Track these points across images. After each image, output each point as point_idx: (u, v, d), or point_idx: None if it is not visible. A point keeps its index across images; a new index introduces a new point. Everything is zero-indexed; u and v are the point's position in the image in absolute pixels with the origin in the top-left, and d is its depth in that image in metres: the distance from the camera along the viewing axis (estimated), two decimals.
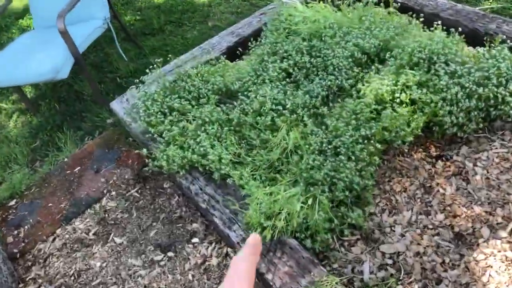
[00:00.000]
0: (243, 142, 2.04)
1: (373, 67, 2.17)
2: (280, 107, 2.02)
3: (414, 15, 2.32)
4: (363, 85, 2.08)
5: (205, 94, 2.22)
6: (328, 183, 1.78)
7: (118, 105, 2.49)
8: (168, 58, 2.56)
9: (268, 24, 2.61)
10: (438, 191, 1.83)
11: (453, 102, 1.86)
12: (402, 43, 2.11)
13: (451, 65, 1.93)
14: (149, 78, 2.51)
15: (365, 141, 1.86)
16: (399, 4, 2.47)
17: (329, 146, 1.85)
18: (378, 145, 1.83)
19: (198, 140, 1.98)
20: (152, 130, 2.12)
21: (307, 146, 1.90)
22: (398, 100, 1.93)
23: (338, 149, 1.84)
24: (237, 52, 2.68)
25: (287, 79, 2.21)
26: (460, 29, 2.12)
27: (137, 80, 2.38)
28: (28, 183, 2.62)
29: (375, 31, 2.21)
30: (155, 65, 2.40)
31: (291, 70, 2.22)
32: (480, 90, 1.84)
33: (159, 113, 2.14)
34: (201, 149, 1.95)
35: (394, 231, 1.74)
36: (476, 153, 1.92)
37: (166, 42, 3.28)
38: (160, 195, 2.39)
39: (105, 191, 2.47)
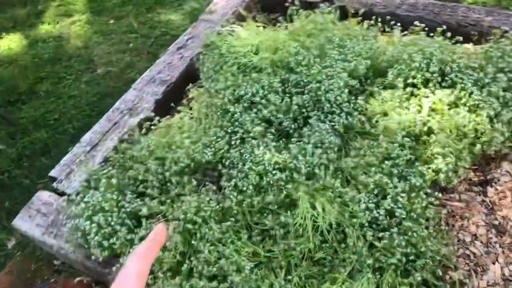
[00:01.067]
0: (253, 233, 1.46)
1: (366, 91, 1.76)
2: (287, 172, 1.48)
3: (367, 20, 1.97)
4: (371, 117, 1.65)
5: (169, 179, 1.55)
6: (403, 264, 1.31)
7: (27, 223, 1.67)
8: (72, 131, 1.80)
9: (204, 61, 2.01)
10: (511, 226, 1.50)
11: (493, 115, 1.54)
12: (394, 55, 1.74)
13: (471, 72, 1.61)
14: (59, 169, 1.73)
15: (417, 192, 1.44)
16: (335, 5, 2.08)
17: (381, 212, 1.38)
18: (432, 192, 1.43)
19: (203, 256, 1.33)
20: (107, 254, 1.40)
21: (350, 219, 1.39)
22: (426, 129, 1.55)
23: (395, 213, 1.38)
24: (172, 105, 2.04)
25: (272, 131, 1.66)
26: (441, 28, 1.82)
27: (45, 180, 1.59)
28: None
29: (356, 48, 1.79)
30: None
31: (273, 119, 1.68)
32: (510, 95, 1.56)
33: (119, 226, 1.42)
34: (211, 268, 1.31)
35: None
36: None
37: (48, 108, 2.40)
38: None
39: None
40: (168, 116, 2.02)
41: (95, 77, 2.49)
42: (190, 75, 2.15)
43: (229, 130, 1.68)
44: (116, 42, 2.70)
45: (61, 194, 1.71)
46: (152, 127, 1.88)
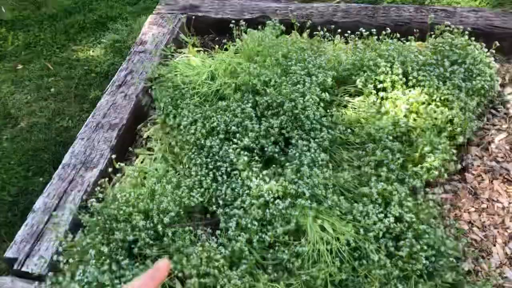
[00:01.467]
0: (268, 270, 1.37)
1: (335, 102, 1.76)
2: (289, 199, 1.42)
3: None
4: (349, 127, 1.65)
5: (164, 232, 1.40)
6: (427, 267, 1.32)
7: None
8: (10, 199, 1.55)
9: (157, 97, 1.85)
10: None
11: (463, 106, 1.63)
12: (355, 63, 1.76)
13: (430, 69, 1.69)
14: (16, 248, 1.48)
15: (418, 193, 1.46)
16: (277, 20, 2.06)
17: (391, 220, 1.38)
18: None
19: None
20: None
21: (365, 233, 1.37)
22: (406, 130, 1.59)
23: (403, 219, 1.39)
24: (130, 149, 1.85)
25: (256, 159, 1.58)
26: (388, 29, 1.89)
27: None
28: None
29: (318, 61, 1.78)
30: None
31: (254, 146, 1.60)
32: (470, 84, 1.67)
33: None
34: None
35: None
36: (484, 148, 1.76)
37: None
38: None
39: None
40: (125, 163, 1.84)
41: (19, 132, 2.17)
42: (139, 114, 1.98)
43: (211, 166, 1.56)
44: (33, 89, 2.39)
45: (31, 277, 1.45)
46: (121, 177, 1.70)
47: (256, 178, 1.49)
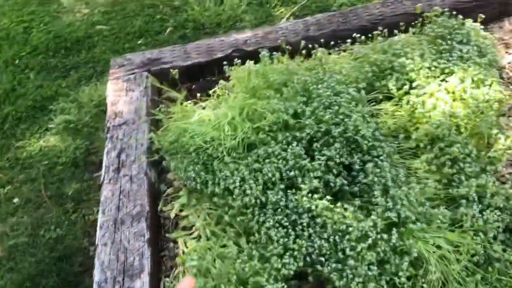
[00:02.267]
0: None
1: (373, 109, 1.66)
2: (395, 229, 1.29)
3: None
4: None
5: None
6: None
7: None
8: None
9: (176, 166, 1.60)
10: None
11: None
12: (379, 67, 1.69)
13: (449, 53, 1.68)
14: None
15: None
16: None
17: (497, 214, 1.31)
18: None
19: None
20: None
21: (485, 237, 1.28)
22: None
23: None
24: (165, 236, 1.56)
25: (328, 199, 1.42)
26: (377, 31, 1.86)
27: None
28: None
29: (334, 78, 1.67)
30: None
31: (318, 184, 1.43)
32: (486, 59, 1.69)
33: None
34: None
35: None
36: None
37: None
38: None
39: None
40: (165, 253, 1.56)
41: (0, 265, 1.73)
42: (153, 193, 1.70)
43: (285, 223, 1.36)
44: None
45: None
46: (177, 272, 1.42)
47: (345, 218, 1.33)
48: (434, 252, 1.27)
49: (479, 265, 1.29)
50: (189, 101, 1.95)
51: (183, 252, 1.53)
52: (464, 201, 1.35)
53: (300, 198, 1.40)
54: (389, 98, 1.70)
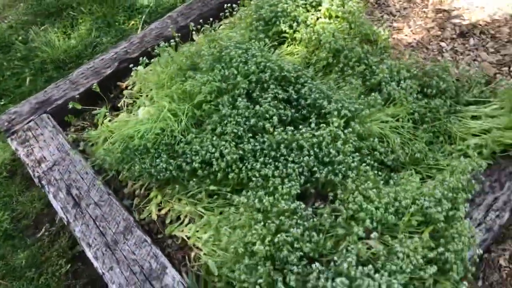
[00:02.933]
0: None
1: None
2: None
3: None
4: None
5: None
6: None
7: None
8: None
9: (133, 174, 1.59)
10: None
11: None
12: None
13: None
14: None
15: None
16: None
17: None
18: None
19: None
20: None
21: None
22: None
23: None
24: None
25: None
26: None
27: None
28: None
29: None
30: None
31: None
32: None
33: None
34: None
35: None
36: None
37: None
38: None
39: None
40: None
41: None
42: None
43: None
44: None
45: None
46: None
47: (314, 136, 1.56)
48: (385, 126, 1.59)
49: (417, 122, 1.65)
50: (108, 119, 1.93)
51: (188, 238, 1.56)
52: (383, 83, 1.70)
53: (270, 136, 1.57)
54: (280, 43, 1.98)
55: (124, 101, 2.03)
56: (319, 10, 1.96)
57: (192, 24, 2.06)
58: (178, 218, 1.66)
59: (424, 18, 2.26)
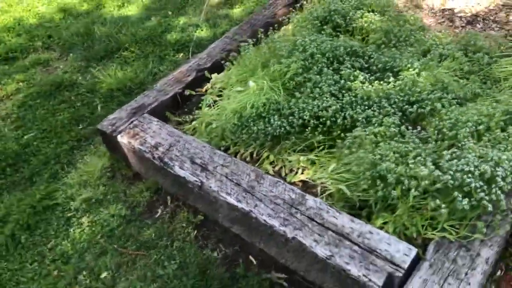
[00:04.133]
0: None
1: None
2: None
3: None
4: None
5: None
6: None
7: None
8: None
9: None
10: None
11: None
12: None
13: None
14: None
15: None
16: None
17: None
18: None
19: None
20: None
21: None
22: None
23: None
24: None
25: None
26: None
27: None
28: None
29: None
30: None
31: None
32: None
33: None
34: None
35: None
36: None
37: None
38: None
39: None
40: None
41: None
42: None
43: None
44: None
45: None
46: None
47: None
48: (445, 75, 2.01)
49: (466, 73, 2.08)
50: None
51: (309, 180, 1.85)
52: (433, 47, 2.15)
53: (361, 89, 1.95)
54: (337, 36, 2.42)
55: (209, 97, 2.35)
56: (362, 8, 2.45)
57: (260, 29, 2.51)
58: (291, 171, 1.95)
59: (434, 16, 2.79)
